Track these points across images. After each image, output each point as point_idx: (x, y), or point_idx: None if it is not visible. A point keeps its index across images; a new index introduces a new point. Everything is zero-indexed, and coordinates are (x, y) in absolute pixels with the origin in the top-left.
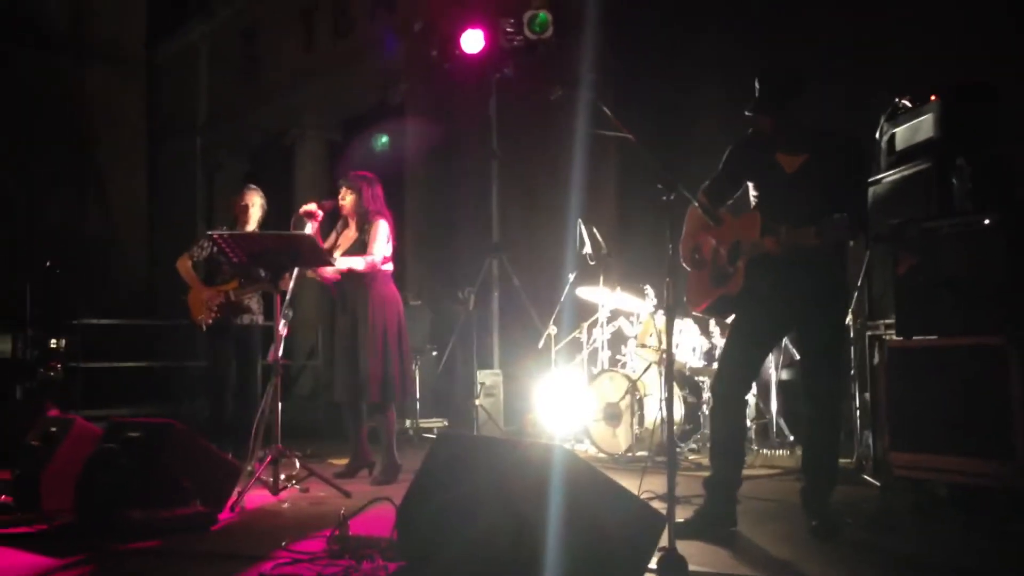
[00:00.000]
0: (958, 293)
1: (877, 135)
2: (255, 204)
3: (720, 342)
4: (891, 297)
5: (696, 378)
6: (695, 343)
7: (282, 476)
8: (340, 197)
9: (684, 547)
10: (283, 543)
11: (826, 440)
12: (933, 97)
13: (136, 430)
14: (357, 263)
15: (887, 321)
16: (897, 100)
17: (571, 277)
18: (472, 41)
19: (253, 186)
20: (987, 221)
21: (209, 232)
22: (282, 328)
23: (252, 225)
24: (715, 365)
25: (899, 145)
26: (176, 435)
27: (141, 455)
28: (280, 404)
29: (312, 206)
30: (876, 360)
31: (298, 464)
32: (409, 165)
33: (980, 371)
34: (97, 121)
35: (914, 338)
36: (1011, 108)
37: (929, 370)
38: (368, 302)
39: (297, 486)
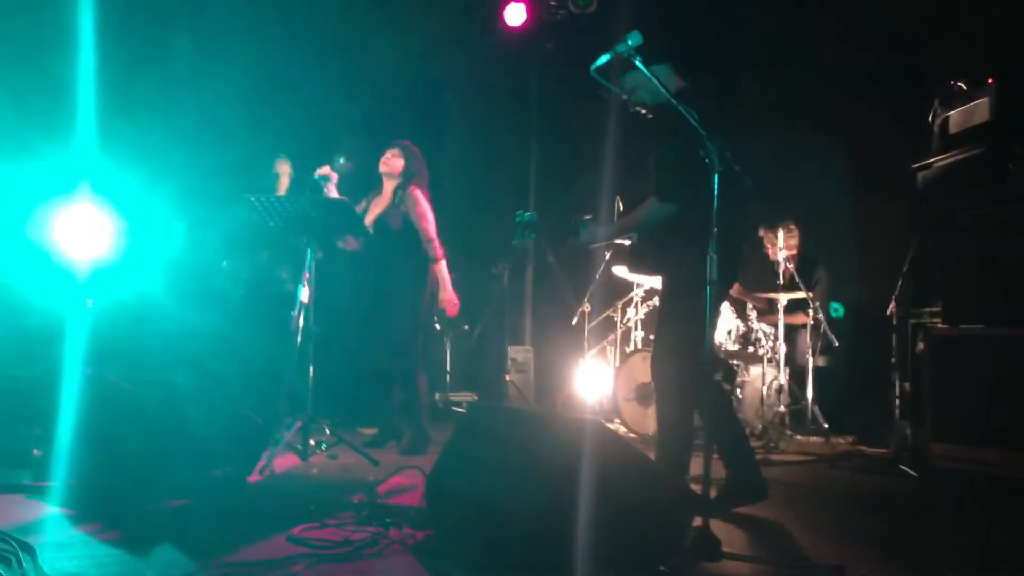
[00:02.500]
0: (1008, 282)
1: (930, 118)
2: (284, 172)
3: (757, 325)
4: (937, 285)
5: (731, 361)
6: (731, 326)
7: (312, 442)
8: (386, 159)
9: (717, 529)
10: (311, 507)
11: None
12: (989, 80)
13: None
14: (443, 273)
15: (932, 309)
16: (952, 83)
17: (607, 255)
18: (515, 14)
19: (284, 155)
20: None
21: (246, 195)
22: (304, 295)
23: (282, 192)
24: (750, 348)
25: (952, 129)
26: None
27: (172, 413)
28: (311, 370)
29: (326, 168)
30: (919, 348)
31: (327, 431)
32: (447, 138)
33: None
34: None
35: (961, 326)
36: None
37: (974, 360)
38: (403, 267)
39: (326, 453)
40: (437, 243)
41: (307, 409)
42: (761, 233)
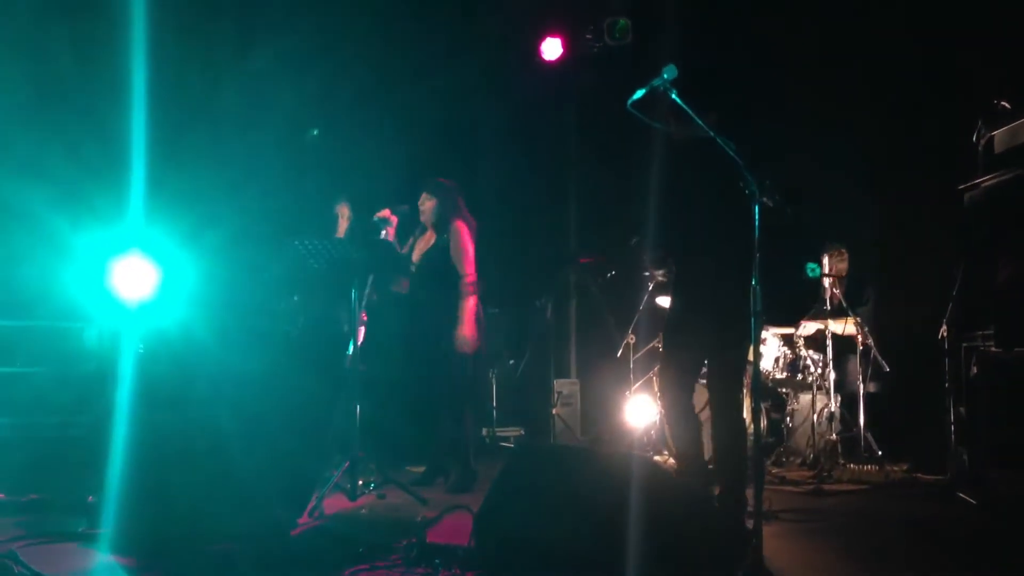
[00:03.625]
0: None
1: (974, 138)
2: (344, 216)
3: (805, 353)
4: (988, 307)
5: (780, 390)
6: (778, 353)
7: (360, 482)
8: (420, 202)
9: (769, 562)
10: (360, 549)
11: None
12: None
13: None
14: (467, 309)
15: (984, 332)
16: (996, 101)
17: (651, 286)
18: (551, 49)
19: (344, 199)
20: None
21: (291, 240)
22: (359, 335)
23: (341, 235)
24: (799, 376)
25: (998, 148)
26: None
27: (220, 458)
28: (359, 409)
29: (386, 211)
30: (973, 372)
31: (375, 470)
32: (488, 174)
33: None
34: None
35: (1016, 349)
36: None
37: None
38: (447, 307)
39: (375, 492)
40: (471, 279)
41: (355, 449)
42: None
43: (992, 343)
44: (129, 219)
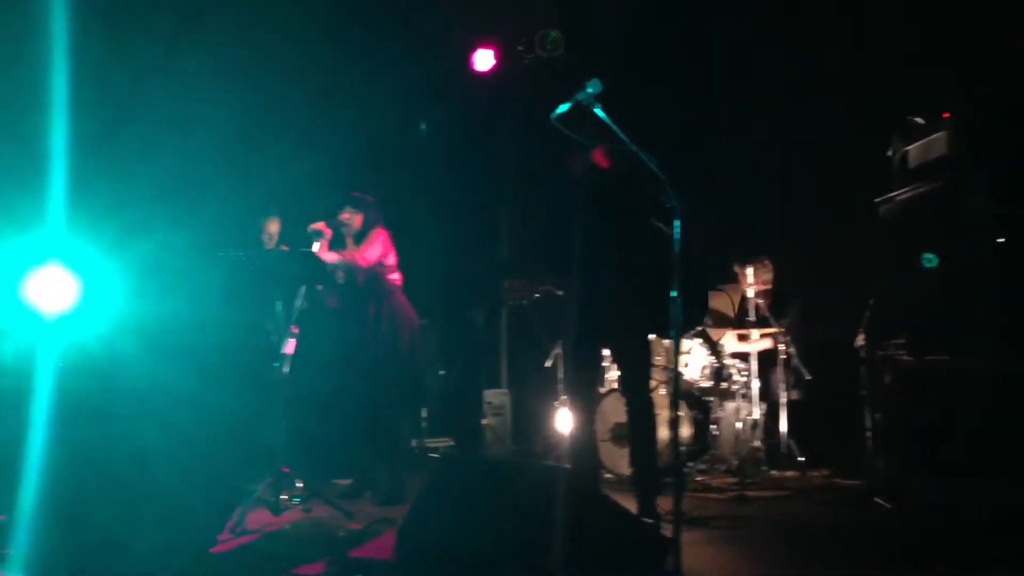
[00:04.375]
0: (969, 313)
1: (889, 153)
2: (274, 230)
3: (730, 362)
4: (901, 317)
5: (705, 398)
6: (703, 362)
7: (284, 496)
8: (345, 216)
9: (688, 571)
10: (282, 566)
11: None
12: (945, 115)
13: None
14: (349, 258)
15: (899, 341)
16: (909, 118)
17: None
18: (483, 60)
19: (275, 213)
20: (1000, 240)
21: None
22: (289, 346)
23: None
24: (724, 385)
25: (911, 163)
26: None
27: (140, 474)
28: (283, 422)
29: (321, 224)
30: (888, 380)
31: (300, 484)
32: (421, 185)
33: (997, 391)
34: None
35: (927, 358)
36: None
37: (943, 391)
38: (382, 314)
39: (300, 506)
40: (357, 259)
41: (279, 462)
42: (736, 268)
43: (905, 352)
44: (49, 226)
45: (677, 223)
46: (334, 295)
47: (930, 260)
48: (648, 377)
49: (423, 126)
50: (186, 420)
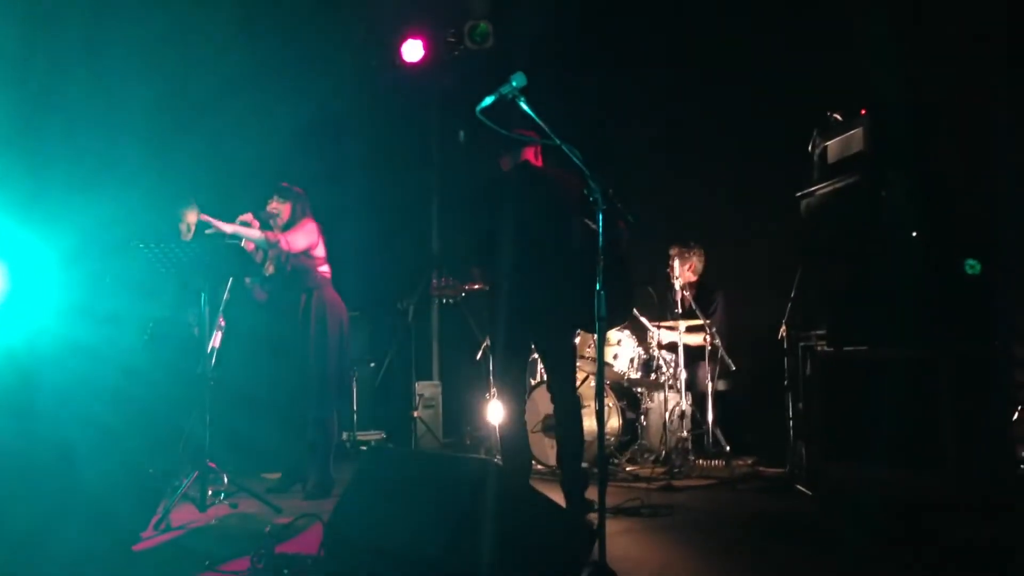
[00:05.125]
0: (886, 304)
1: (810, 148)
2: (191, 220)
3: (658, 354)
4: (821, 308)
5: (634, 389)
6: (632, 354)
7: (210, 491)
8: (272, 207)
9: (614, 560)
10: (206, 563)
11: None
12: (863, 111)
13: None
14: (271, 237)
15: (819, 332)
16: (829, 114)
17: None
18: (412, 51)
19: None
20: (915, 234)
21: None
22: (215, 339)
23: (187, 238)
24: (652, 376)
25: (831, 158)
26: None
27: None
28: (208, 416)
29: (248, 215)
30: (808, 370)
31: (226, 479)
32: (348, 176)
33: (911, 382)
34: None
35: (845, 348)
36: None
37: (860, 380)
38: (312, 307)
39: (227, 502)
40: (280, 242)
41: (205, 457)
42: (673, 251)
43: (825, 342)
44: None
45: (600, 216)
46: (263, 289)
47: (973, 267)
48: (574, 372)
49: (462, 134)
50: (108, 415)
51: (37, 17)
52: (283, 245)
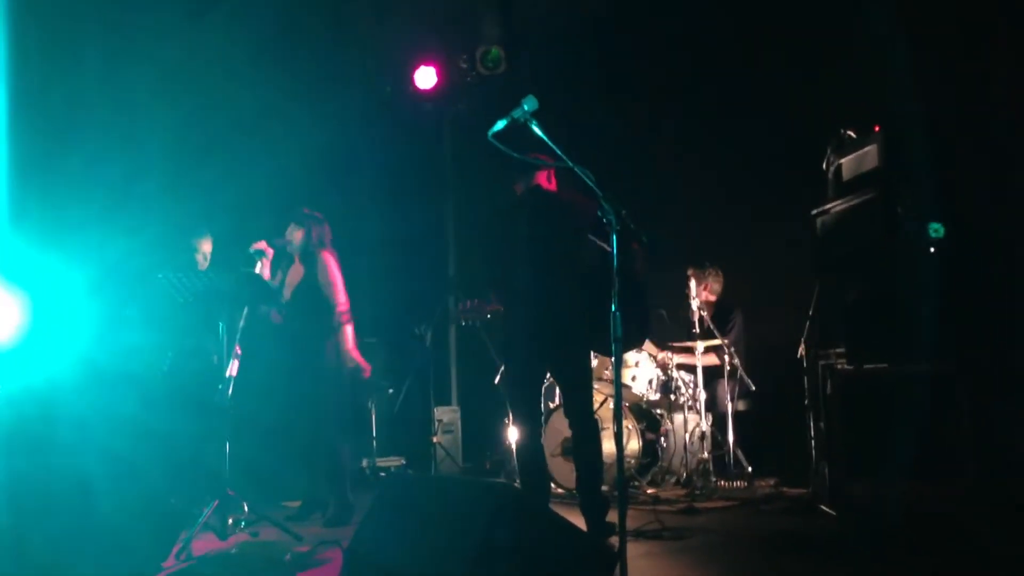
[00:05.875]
0: (904, 320)
1: (824, 166)
2: (205, 250)
3: (676, 375)
4: (841, 325)
5: (653, 411)
6: (651, 375)
7: (230, 520)
8: (288, 233)
9: None
10: None
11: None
12: (876, 128)
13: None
14: (345, 338)
15: (838, 350)
16: (842, 131)
17: None
18: (425, 77)
19: (206, 233)
20: (932, 249)
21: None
22: (232, 368)
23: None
24: (671, 397)
25: (845, 175)
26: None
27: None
28: (228, 445)
29: (262, 243)
30: (829, 389)
31: (247, 508)
32: (364, 203)
33: (931, 397)
34: None
35: (865, 366)
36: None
37: (881, 397)
38: (319, 339)
39: (247, 530)
40: (343, 310)
41: (224, 486)
42: (690, 272)
43: (844, 361)
44: None
45: (615, 238)
46: (279, 312)
47: (936, 230)
48: (590, 394)
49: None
50: (128, 446)
51: (56, 52)
52: (344, 308)
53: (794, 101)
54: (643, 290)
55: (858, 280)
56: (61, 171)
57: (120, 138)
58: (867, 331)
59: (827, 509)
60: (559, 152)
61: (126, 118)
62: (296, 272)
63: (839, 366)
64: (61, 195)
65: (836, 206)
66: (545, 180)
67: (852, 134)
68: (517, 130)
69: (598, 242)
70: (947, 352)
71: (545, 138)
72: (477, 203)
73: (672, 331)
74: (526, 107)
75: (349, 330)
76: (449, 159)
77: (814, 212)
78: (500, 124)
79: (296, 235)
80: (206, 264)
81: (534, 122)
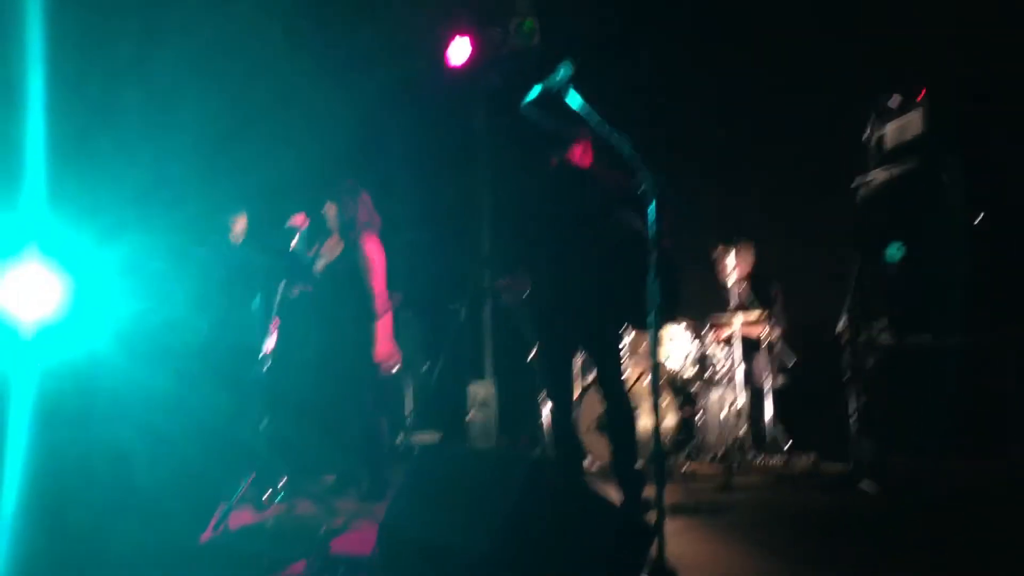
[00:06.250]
0: (949, 292)
1: (865, 135)
2: (240, 226)
3: (712, 351)
4: (883, 298)
5: (689, 387)
6: (687, 350)
7: (267, 493)
8: (325, 208)
9: (673, 560)
10: (264, 563)
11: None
12: (921, 94)
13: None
14: (381, 326)
15: (880, 323)
16: (884, 98)
17: None
18: (459, 49)
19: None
20: (978, 220)
21: (194, 248)
22: (269, 343)
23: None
24: (708, 372)
25: (888, 144)
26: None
27: (121, 476)
28: (265, 419)
29: (299, 217)
30: (870, 363)
31: (283, 481)
32: (399, 175)
33: (975, 369)
34: None
35: (907, 339)
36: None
37: (924, 371)
38: (351, 316)
39: (283, 504)
40: (381, 298)
41: (262, 460)
42: (716, 254)
43: (887, 334)
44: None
45: (652, 207)
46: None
47: (896, 251)
48: (620, 369)
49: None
50: (165, 420)
51: (92, 37)
52: (382, 298)
53: (831, 68)
54: (674, 263)
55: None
56: (96, 154)
57: (153, 119)
58: (910, 303)
59: (867, 486)
60: (595, 120)
61: (159, 100)
62: (332, 248)
63: (881, 339)
64: (96, 177)
65: (878, 176)
66: (579, 155)
67: (895, 101)
68: (553, 99)
69: (628, 218)
70: (991, 324)
71: (582, 105)
72: (510, 177)
73: (707, 304)
74: (561, 73)
75: (386, 321)
76: (483, 134)
77: (855, 183)
78: (535, 92)
79: (332, 211)
80: (239, 242)
81: (571, 89)
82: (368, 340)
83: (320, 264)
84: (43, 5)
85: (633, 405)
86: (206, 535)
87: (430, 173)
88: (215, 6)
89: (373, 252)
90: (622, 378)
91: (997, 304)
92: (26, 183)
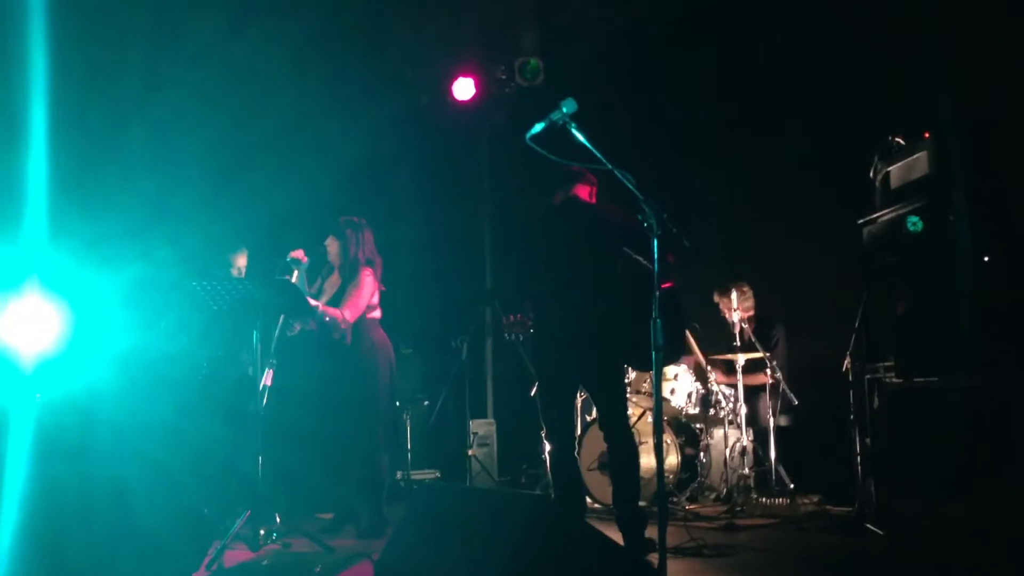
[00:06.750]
0: (955, 332)
1: (871, 174)
2: (240, 263)
3: (717, 388)
4: (889, 338)
5: (693, 425)
6: (691, 388)
7: (263, 531)
8: (327, 243)
9: None
10: None
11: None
12: (926, 134)
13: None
14: (335, 315)
15: (886, 363)
16: (890, 138)
17: None
18: (463, 89)
19: (242, 246)
20: (986, 258)
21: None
22: (267, 377)
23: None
24: (711, 411)
25: (894, 183)
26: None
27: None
28: (261, 455)
29: (299, 252)
30: (876, 403)
31: (279, 519)
32: (401, 211)
33: (983, 411)
34: None
35: (914, 379)
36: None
37: (931, 412)
38: (357, 348)
39: (279, 541)
40: (340, 319)
41: (257, 497)
42: (716, 298)
43: (892, 374)
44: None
45: (655, 242)
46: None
47: (915, 223)
48: (624, 407)
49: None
50: (163, 454)
51: (96, 69)
52: (341, 324)
53: (833, 109)
54: (679, 303)
55: (907, 291)
56: (99, 186)
57: (156, 152)
58: (917, 343)
59: (874, 528)
60: (598, 155)
61: (162, 132)
62: (333, 283)
63: (887, 379)
64: (99, 209)
65: (884, 214)
66: (587, 196)
67: (901, 141)
68: (556, 134)
69: (634, 255)
70: (1000, 364)
71: (584, 141)
72: (514, 214)
73: (710, 344)
74: (565, 109)
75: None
76: (487, 171)
77: (861, 221)
78: (538, 127)
79: (333, 247)
80: (242, 276)
81: (573, 124)
82: (375, 372)
83: (324, 298)
84: (47, 37)
85: (636, 443)
86: (199, 573)
87: (433, 208)
88: (220, 39)
89: (366, 284)
90: (626, 416)
91: (1005, 344)
92: (28, 215)
